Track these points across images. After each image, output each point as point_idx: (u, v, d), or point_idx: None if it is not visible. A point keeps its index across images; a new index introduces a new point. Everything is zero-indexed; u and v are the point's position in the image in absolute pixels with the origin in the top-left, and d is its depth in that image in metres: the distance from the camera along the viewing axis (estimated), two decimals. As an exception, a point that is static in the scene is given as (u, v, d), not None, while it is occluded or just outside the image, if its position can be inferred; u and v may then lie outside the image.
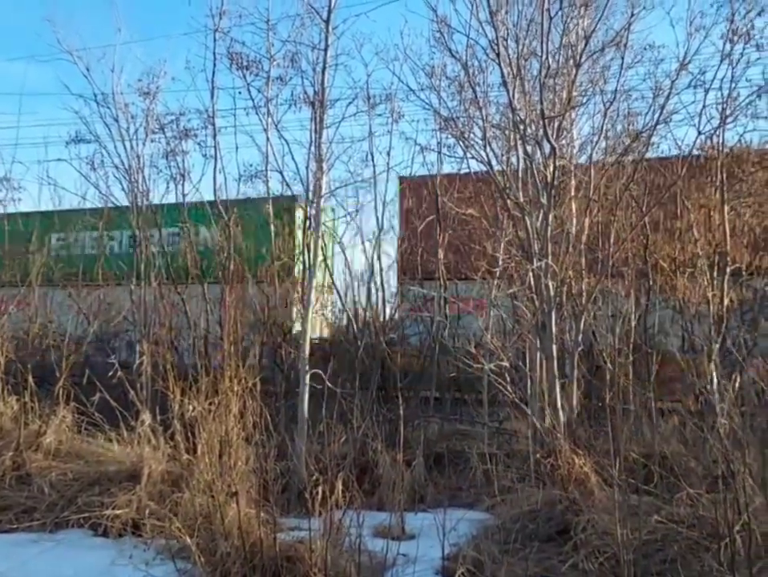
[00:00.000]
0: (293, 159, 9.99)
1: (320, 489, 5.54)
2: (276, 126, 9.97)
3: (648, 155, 9.08)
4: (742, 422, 5.91)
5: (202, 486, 6.06)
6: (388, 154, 11.10)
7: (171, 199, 11.68)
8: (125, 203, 11.47)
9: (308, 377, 8.15)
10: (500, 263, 9.15)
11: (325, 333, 12.72)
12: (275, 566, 5.31)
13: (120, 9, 11.08)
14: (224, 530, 5.55)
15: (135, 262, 11.18)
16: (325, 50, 8.43)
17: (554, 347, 7.84)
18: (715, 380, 7.74)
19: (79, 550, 6.26)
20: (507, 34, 7.96)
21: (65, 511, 6.82)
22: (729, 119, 8.54)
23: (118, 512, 6.50)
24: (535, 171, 7.99)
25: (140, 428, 7.57)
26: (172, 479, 6.91)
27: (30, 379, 8.78)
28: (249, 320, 10.58)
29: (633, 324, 8.38)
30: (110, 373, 8.71)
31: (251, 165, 11.35)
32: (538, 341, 8.01)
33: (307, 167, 9.70)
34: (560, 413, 7.68)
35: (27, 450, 7.94)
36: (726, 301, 8.57)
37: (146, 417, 7.64)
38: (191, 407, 6.43)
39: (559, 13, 7.89)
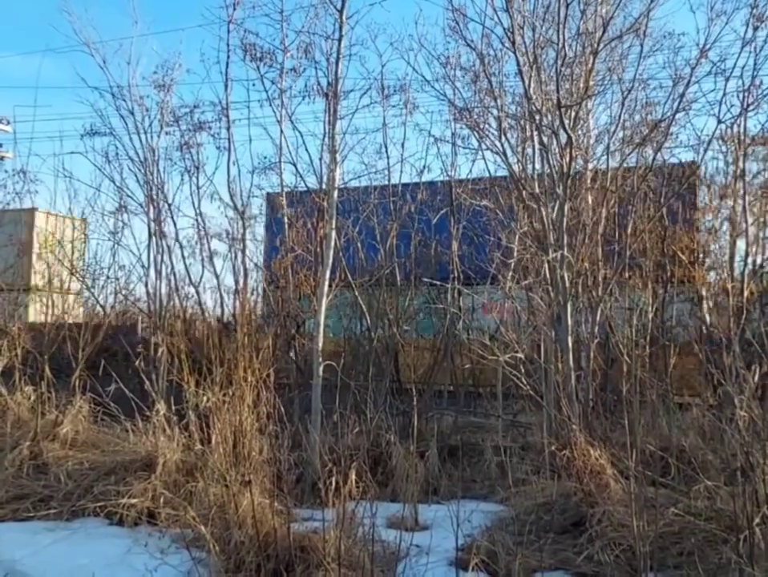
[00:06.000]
0: (306, 150, 10.05)
1: (333, 479, 5.53)
2: (289, 117, 9.99)
3: (667, 144, 8.98)
4: (762, 414, 5.83)
5: (216, 476, 6.06)
6: (402, 145, 10.98)
7: (185, 191, 11.64)
8: (140, 195, 11.47)
9: (321, 368, 8.15)
10: (515, 254, 9.10)
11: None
12: (288, 556, 5.30)
13: (136, 1, 10.95)
14: (237, 519, 5.54)
15: (149, 254, 11.20)
16: (339, 40, 8.42)
17: (569, 339, 7.78)
18: (734, 372, 7.65)
19: (95, 539, 6.28)
20: (524, 22, 7.87)
21: (81, 500, 6.84)
22: (751, 108, 8.38)
23: (133, 501, 6.52)
24: (551, 162, 7.93)
25: (155, 418, 7.58)
26: (187, 469, 6.92)
27: (47, 369, 8.83)
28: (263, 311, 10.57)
29: (651, 315, 8.28)
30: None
31: (265, 157, 11.28)
32: (553, 333, 7.96)
33: (321, 159, 9.75)
34: (576, 405, 7.62)
35: (44, 440, 7.99)
36: (746, 293, 8.47)
37: (161, 407, 7.64)
38: (205, 398, 6.43)
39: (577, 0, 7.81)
